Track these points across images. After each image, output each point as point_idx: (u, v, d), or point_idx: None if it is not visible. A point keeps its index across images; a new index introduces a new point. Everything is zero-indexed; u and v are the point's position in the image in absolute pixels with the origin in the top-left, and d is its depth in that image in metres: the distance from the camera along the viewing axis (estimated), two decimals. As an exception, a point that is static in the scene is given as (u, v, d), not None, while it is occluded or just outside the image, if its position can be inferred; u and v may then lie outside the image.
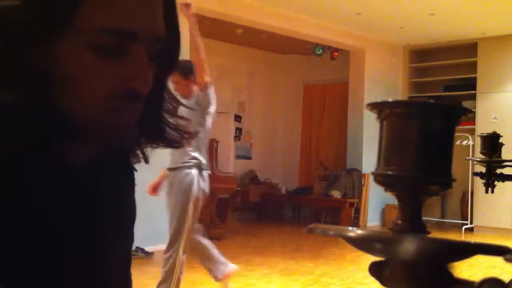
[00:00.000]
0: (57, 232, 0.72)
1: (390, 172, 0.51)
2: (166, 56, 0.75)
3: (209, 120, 4.20)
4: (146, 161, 0.82)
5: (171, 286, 4.25)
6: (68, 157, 0.72)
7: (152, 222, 6.21)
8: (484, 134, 2.14)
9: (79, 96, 0.68)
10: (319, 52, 9.58)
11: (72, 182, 0.73)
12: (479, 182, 2.38)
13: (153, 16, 0.69)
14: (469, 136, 8.42)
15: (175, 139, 0.79)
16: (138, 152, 0.81)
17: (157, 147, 0.81)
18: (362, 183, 8.92)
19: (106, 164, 0.78)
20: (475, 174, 2.23)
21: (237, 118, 9.84)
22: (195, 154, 4.15)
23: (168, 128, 0.78)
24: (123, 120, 0.70)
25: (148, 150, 0.83)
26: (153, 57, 0.72)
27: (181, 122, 0.79)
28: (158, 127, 0.77)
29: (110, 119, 0.69)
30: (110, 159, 0.78)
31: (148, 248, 6.03)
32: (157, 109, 0.78)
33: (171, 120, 0.79)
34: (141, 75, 0.68)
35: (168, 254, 4.25)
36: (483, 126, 8.30)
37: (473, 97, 8.93)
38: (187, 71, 4.15)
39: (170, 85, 0.81)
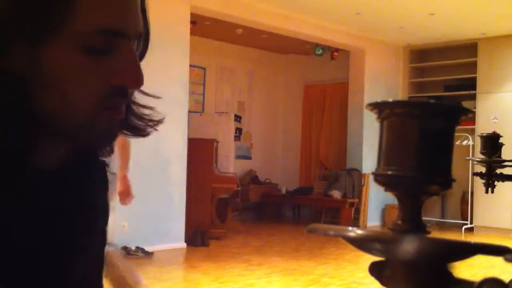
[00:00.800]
0: (24, 234, 0.70)
1: (390, 172, 0.51)
2: (137, 49, 0.75)
3: None
4: (111, 152, 0.81)
5: None
6: (38, 159, 0.71)
7: (152, 222, 6.22)
8: (484, 134, 2.14)
9: (69, 96, 0.67)
10: (319, 52, 9.58)
11: (40, 184, 0.72)
12: (479, 182, 2.38)
13: (137, 14, 0.71)
14: (469, 136, 8.42)
15: (141, 128, 0.79)
16: (106, 149, 0.81)
17: (123, 135, 0.80)
18: (362, 183, 8.92)
19: (76, 164, 0.77)
20: (475, 174, 2.23)
21: (237, 118, 9.84)
22: None
23: (133, 117, 0.78)
24: (111, 117, 0.70)
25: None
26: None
27: (146, 111, 0.79)
28: (125, 117, 0.76)
29: (100, 118, 0.69)
30: (80, 158, 0.77)
31: (148, 248, 6.03)
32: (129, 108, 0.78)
33: (136, 110, 0.78)
34: (131, 70, 0.69)
35: None
36: (483, 126, 8.30)
37: (473, 97, 8.93)
38: None
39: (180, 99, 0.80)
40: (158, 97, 0.78)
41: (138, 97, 0.79)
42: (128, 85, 0.69)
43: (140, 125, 0.78)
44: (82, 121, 0.68)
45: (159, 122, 0.80)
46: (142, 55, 0.77)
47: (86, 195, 0.80)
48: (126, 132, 0.78)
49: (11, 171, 0.68)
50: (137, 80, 0.69)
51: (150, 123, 0.79)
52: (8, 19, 0.63)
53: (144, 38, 0.75)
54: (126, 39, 0.69)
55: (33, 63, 0.65)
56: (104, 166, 0.84)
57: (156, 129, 0.80)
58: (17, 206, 0.69)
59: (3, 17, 0.63)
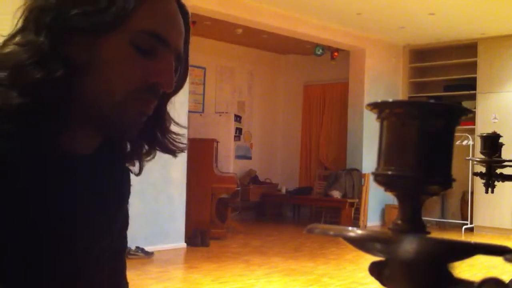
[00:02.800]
0: (48, 216, 0.77)
1: (390, 172, 0.51)
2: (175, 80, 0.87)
3: None
4: (139, 173, 0.93)
5: None
6: (73, 147, 0.81)
7: (152, 222, 6.22)
8: (484, 134, 2.14)
9: (111, 81, 0.78)
10: (319, 52, 9.57)
11: (77, 168, 0.82)
12: (479, 182, 2.38)
13: (181, 37, 0.85)
14: (469, 136, 8.42)
15: (172, 149, 0.92)
16: (135, 160, 0.92)
17: (153, 156, 0.93)
18: (362, 183, 8.92)
19: (108, 158, 0.88)
20: (475, 174, 2.23)
21: (237, 118, 9.84)
22: None
23: (166, 141, 0.91)
24: (141, 109, 0.81)
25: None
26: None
27: (175, 137, 0.92)
28: (159, 137, 0.90)
29: (132, 106, 0.79)
30: (111, 155, 0.88)
31: (148, 248, 6.03)
32: (159, 122, 0.90)
33: (168, 133, 0.92)
34: (167, 74, 0.81)
35: None
36: (483, 126, 8.30)
37: (473, 97, 8.93)
38: None
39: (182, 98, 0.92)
40: (185, 127, 0.96)
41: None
42: (161, 85, 0.81)
43: (171, 147, 0.91)
44: (115, 104, 0.78)
45: (185, 148, 0.94)
46: (180, 86, 0.90)
47: (115, 183, 0.92)
48: (161, 151, 0.92)
49: (50, 153, 0.77)
50: (169, 83, 0.81)
51: (179, 148, 0.92)
52: (81, 13, 0.75)
53: (183, 69, 0.89)
54: (168, 49, 0.81)
55: (89, 50, 0.77)
56: (129, 172, 0.95)
57: (183, 151, 0.94)
58: (56, 189, 0.78)
59: (76, 11, 0.75)
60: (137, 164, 0.93)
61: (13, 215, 0.73)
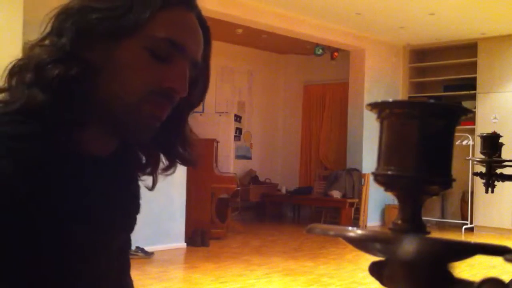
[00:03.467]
0: (72, 216, 0.80)
1: (390, 172, 0.51)
2: (194, 93, 0.90)
3: None
4: (153, 187, 0.98)
5: None
6: (91, 148, 0.84)
7: (152, 222, 6.21)
8: (484, 134, 2.14)
9: (127, 85, 0.81)
10: (319, 52, 9.57)
11: (97, 168, 0.85)
12: (479, 182, 2.38)
13: (198, 46, 0.88)
14: (469, 136, 8.41)
15: (190, 160, 0.95)
16: (147, 170, 0.96)
17: (171, 168, 0.97)
18: (362, 183, 8.91)
19: (124, 161, 0.91)
20: (475, 174, 2.23)
21: (237, 118, 9.84)
22: None
23: (186, 153, 0.94)
24: (154, 112, 0.83)
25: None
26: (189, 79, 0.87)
27: (195, 150, 0.95)
28: (179, 150, 0.93)
29: (145, 108, 0.82)
30: (126, 159, 0.91)
31: (148, 248, 6.03)
32: (177, 133, 0.93)
33: (189, 147, 0.95)
34: (181, 79, 0.84)
35: None
36: (483, 126, 8.30)
37: (473, 97, 8.93)
38: None
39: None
40: (198, 138, 1.00)
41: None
42: (175, 91, 0.83)
43: (189, 159, 0.94)
44: (128, 105, 0.81)
45: (200, 159, 0.98)
46: (200, 98, 0.93)
47: (127, 187, 0.95)
48: (179, 162, 0.95)
49: (70, 153, 0.80)
50: (183, 89, 0.84)
51: (196, 159, 0.95)
52: (99, 18, 0.80)
53: (204, 82, 0.92)
54: (183, 56, 0.84)
55: (106, 53, 0.81)
56: (138, 177, 0.98)
57: (194, 165, 0.97)
58: (79, 188, 0.80)
59: (96, 16, 0.80)
60: (150, 178, 0.97)
61: (38, 215, 0.75)
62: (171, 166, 0.95)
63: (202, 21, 0.90)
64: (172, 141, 0.92)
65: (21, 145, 0.75)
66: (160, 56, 0.82)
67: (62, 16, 0.81)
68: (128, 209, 0.95)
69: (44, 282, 0.76)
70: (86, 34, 0.80)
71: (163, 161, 0.95)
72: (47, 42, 0.81)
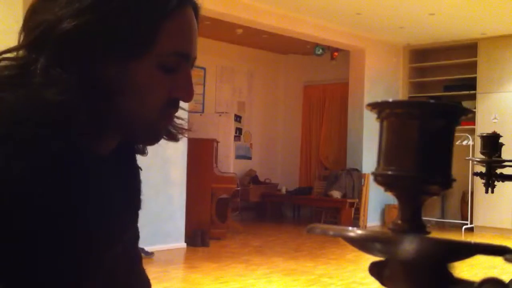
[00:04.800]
0: (76, 216, 0.79)
1: (390, 172, 0.51)
2: None
3: None
4: (145, 154, 0.97)
5: None
6: (95, 148, 0.84)
7: (152, 222, 6.21)
8: (484, 134, 2.14)
9: (143, 103, 0.82)
10: (319, 52, 9.57)
11: (103, 169, 0.85)
12: (479, 182, 2.38)
13: (197, 42, 0.88)
14: (469, 136, 8.41)
15: (174, 134, 0.93)
16: (144, 149, 0.96)
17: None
18: (362, 183, 8.91)
19: (123, 156, 0.93)
20: (475, 174, 2.23)
21: (237, 118, 9.84)
22: None
23: (170, 126, 0.92)
24: (167, 124, 0.88)
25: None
26: None
27: (178, 121, 0.94)
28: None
29: (161, 123, 0.86)
30: (126, 153, 0.93)
31: (148, 248, 6.03)
32: None
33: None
34: (189, 87, 0.85)
35: None
36: (483, 126, 8.30)
37: (473, 97, 8.93)
38: None
39: None
40: (185, 109, 0.99)
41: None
42: (183, 99, 0.86)
43: (174, 132, 0.93)
44: (149, 124, 0.84)
45: (188, 130, 0.97)
46: None
47: (130, 183, 0.96)
48: (164, 137, 0.93)
49: (78, 156, 0.80)
50: (190, 95, 0.86)
51: (181, 131, 0.95)
52: (114, 38, 0.78)
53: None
54: (188, 62, 0.86)
55: (121, 74, 0.80)
56: (139, 170, 0.99)
57: (185, 136, 0.97)
58: (83, 188, 0.80)
59: (111, 35, 0.78)
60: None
61: (57, 214, 0.75)
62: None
63: (195, 6, 0.88)
64: None
65: (30, 147, 0.74)
66: (169, 68, 0.83)
67: (63, 38, 0.77)
68: (133, 204, 0.96)
69: (60, 281, 0.76)
70: (98, 58, 0.79)
71: None
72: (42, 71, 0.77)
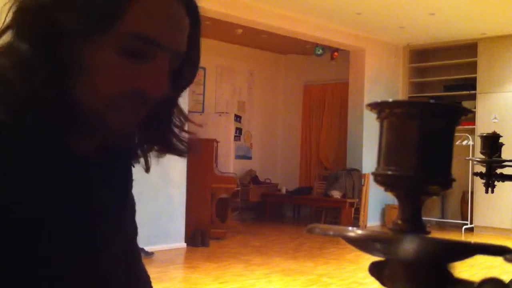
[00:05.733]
0: (60, 218, 0.77)
1: (390, 172, 0.51)
2: (183, 75, 0.84)
3: None
4: (147, 170, 0.91)
5: None
6: (74, 147, 0.79)
7: (152, 222, 6.22)
8: (484, 134, 2.14)
9: (95, 88, 0.74)
10: (319, 52, 9.57)
11: (78, 168, 0.80)
12: (479, 182, 2.38)
13: (179, 35, 0.79)
14: (469, 136, 8.42)
15: (182, 150, 0.88)
16: (140, 158, 0.90)
17: (163, 155, 0.90)
18: (362, 183, 8.92)
19: (109, 156, 0.86)
20: (475, 174, 2.23)
21: (237, 118, 9.84)
22: None
23: (175, 140, 0.87)
24: (122, 119, 0.77)
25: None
26: (173, 71, 0.80)
27: (187, 135, 0.88)
28: (166, 137, 0.86)
29: (112, 114, 0.76)
30: (112, 153, 0.86)
31: (148, 248, 6.03)
32: (167, 121, 0.86)
33: (179, 133, 0.87)
34: (156, 78, 0.76)
35: None
36: (483, 126, 8.30)
37: (473, 97, 8.93)
38: None
39: (180, 102, 0.90)
40: (200, 125, 0.92)
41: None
42: (148, 91, 0.75)
43: (182, 148, 0.87)
44: (95, 112, 0.75)
45: (196, 147, 0.90)
46: (189, 81, 0.87)
47: (120, 184, 0.90)
48: (169, 153, 0.88)
49: (52, 152, 0.76)
50: (158, 88, 0.76)
51: (191, 148, 0.88)
52: (69, 17, 0.72)
53: (193, 63, 0.85)
54: (163, 51, 0.76)
55: (74, 56, 0.73)
56: (131, 166, 0.93)
57: (193, 152, 0.90)
58: (61, 187, 0.77)
59: (66, 15, 0.72)
60: (142, 160, 0.91)
61: (39, 215, 0.74)
62: (161, 151, 0.89)
63: (188, 1, 0.81)
64: (160, 128, 0.85)
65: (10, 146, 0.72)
66: (134, 54, 0.74)
67: (23, 13, 0.73)
68: (121, 203, 0.92)
69: (40, 283, 0.75)
70: (51, 35, 0.72)
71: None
72: (5, 45, 0.74)
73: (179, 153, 0.88)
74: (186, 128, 0.89)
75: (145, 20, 0.74)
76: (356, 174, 8.95)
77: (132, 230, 1.00)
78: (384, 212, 9.33)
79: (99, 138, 0.81)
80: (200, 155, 7.19)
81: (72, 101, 0.75)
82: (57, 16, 0.72)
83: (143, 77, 0.75)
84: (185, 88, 0.87)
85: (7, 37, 0.76)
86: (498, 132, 2.15)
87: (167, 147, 0.87)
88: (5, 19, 0.75)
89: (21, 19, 0.73)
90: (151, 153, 0.89)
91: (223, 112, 9.30)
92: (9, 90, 0.72)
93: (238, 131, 10.02)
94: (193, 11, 0.82)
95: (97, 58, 0.74)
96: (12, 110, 0.72)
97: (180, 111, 0.88)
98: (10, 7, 0.74)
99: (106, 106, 0.75)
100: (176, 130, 0.87)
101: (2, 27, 0.75)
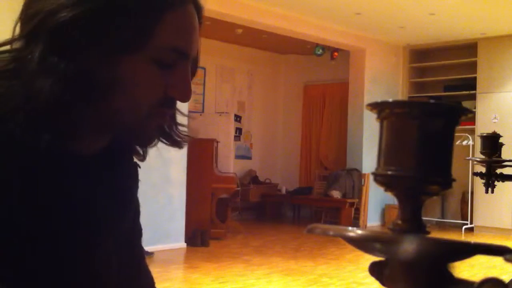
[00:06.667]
0: (64, 217, 0.79)
1: (390, 172, 0.51)
2: None
3: None
4: (143, 159, 0.94)
5: None
6: (78, 148, 0.82)
7: (152, 222, 6.21)
8: (484, 134, 2.14)
9: (134, 100, 0.79)
10: (319, 52, 9.57)
11: (80, 169, 0.82)
12: (479, 182, 2.38)
13: (198, 40, 0.85)
14: (469, 136, 8.41)
15: (180, 142, 0.92)
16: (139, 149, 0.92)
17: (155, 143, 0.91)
18: (362, 183, 8.92)
19: (116, 156, 0.89)
20: (475, 174, 2.23)
21: (237, 118, 9.84)
22: None
23: (173, 133, 0.91)
24: (158, 123, 0.83)
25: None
26: None
27: (183, 129, 0.92)
28: (170, 132, 0.91)
29: (150, 121, 0.81)
30: (118, 153, 0.89)
31: (148, 248, 6.03)
32: (173, 117, 0.90)
33: (176, 127, 0.92)
34: (185, 85, 0.82)
35: None
36: (483, 126, 8.30)
37: (473, 97, 8.93)
38: None
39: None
40: (195, 118, 0.90)
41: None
42: (178, 98, 0.82)
43: (179, 141, 0.91)
44: (139, 119, 0.80)
45: (193, 138, 0.95)
46: (192, 75, 0.89)
47: (117, 184, 0.92)
48: (170, 145, 0.92)
49: (56, 153, 0.78)
50: (187, 95, 0.82)
51: (186, 140, 0.93)
52: (105, 32, 0.75)
53: (194, 63, 0.88)
54: (186, 60, 0.82)
55: (113, 68, 0.77)
56: (136, 166, 0.96)
57: (187, 144, 0.94)
58: (59, 186, 0.79)
59: (102, 30, 0.75)
60: (141, 151, 0.94)
61: (31, 214, 0.75)
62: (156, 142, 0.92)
63: (197, 4, 0.86)
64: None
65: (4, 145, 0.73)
66: (165, 65, 0.80)
67: (55, 26, 0.74)
68: (122, 203, 0.93)
69: (36, 278, 0.76)
70: (86, 50, 0.75)
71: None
72: (37, 60, 0.74)
73: (178, 145, 0.91)
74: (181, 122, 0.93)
75: (176, 33, 0.80)
76: (356, 174, 8.95)
77: (135, 230, 1.00)
78: (384, 212, 9.33)
79: (132, 142, 0.87)
80: (200, 155, 7.19)
81: (111, 114, 0.79)
82: (94, 30, 0.74)
83: (174, 86, 0.81)
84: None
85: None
86: (498, 132, 2.15)
87: (164, 137, 0.90)
88: (14, 29, 0.77)
89: (54, 32, 0.74)
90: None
91: (223, 112, 9.30)
92: (34, 101, 0.73)
93: (238, 131, 10.02)
94: (200, 14, 0.87)
95: (133, 72, 0.78)
96: (32, 124, 0.73)
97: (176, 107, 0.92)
98: (39, 20, 0.75)
99: (146, 116, 0.80)
100: (175, 125, 0.91)
101: (16, 36, 0.77)
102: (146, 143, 0.86)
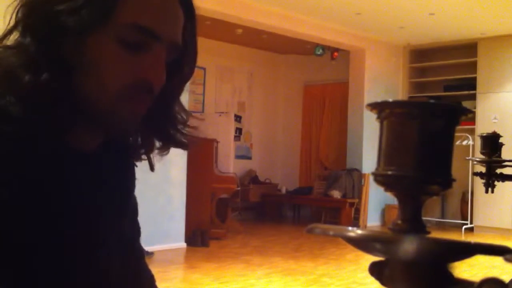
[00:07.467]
0: (64, 215, 0.78)
1: (390, 172, 0.51)
2: (181, 69, 0.85)
3: None
4: (152, 169, 0.93)
5: None
6: (75, 143, 0.81)
7: (152, 222, 6.21)
8: (484, 134, 2.14)
9: (101, 82, 0.76)
10: (319, 52, 9.57)
11: (79, 164, 0.81)
12: (479, 182, 2.38)
13: (175, 26, 0.81)
14: (469, 136, 8.41)
15: (184, 143, 0.90)
16: (143, 158, 0.92)
17: (166, 151, 0.92)
18: (362, 183, 8.91)
19: (110, 154, 0.88)
20: (475, 174, 2.23)
21: (237, 118, 9.84)
22: None
23: (178, 134, 0.89)
24: (133, 109, 0.79)
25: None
26: (171, 63, 0.82)
27: (190, 130, 0.90)
28: (168, 131, 0.88)
29: (123, 106, 0.78)
30: (113, 150, 0.88)
31: (148, 248, 6.03)
32: (168, 114, 0.88)
33: (181, 128, 0.90)
34: (156, 68, 0.78)
35: None
36: (483, 126, 8.30)
37: (473, 97, 8.93)
38: None
39: (182, 98, 0.91)
40: (202, 119, 0.99)
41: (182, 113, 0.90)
42: (150, 81, 0.78)
43: (184, 141, 0.90)
44: (107, 105, 0.77)
45: (199, 138, 0.92)
46: (189, 75, 0.88)
47: (116, 181, 0.90)
48: (172, 146, 0.90)
49: (54, 150, 0.77)
50: (158, 78, 0.78)
51: (193, 141, 0.91)
52: (69, 9, 0.73)
53: (191, 57, 0.87)
54: (160, 42, 0.78)
55: (77, 50, 0.75)
56: (133, 164, 0.95)
57: (193, 144, 0.92)
58: (57, 183, 0.78)
59: (65, 7, 0.73)
60: (145, 159, 0.93)
61: (32, 215, 0.74)
62: (164, 147, 0.91)
63: None
64: (162, 122, 0.88)
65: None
66: (133, 45, 0.77)
67: (25, 10, 0.75)
68: (117, 204, 0.92)
69: (37, 275, 0.76)
70: (51, 30, 0.74)
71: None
72: (10, 41, 0.76)
73: (182, 145, 0.90)
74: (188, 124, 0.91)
75: (141, 11, 0.76)
76: (356, 174, 8.95)
77: (134, 229, 1.00)
78: (384, 212, 9.33)
79: (107, 132, 0.83)
80: (200, 155, 7.19)
81: (81, 97, 0.76)
82: (59, 9, 0.73)
83: (143, 67, 0.77)
84: (185, 82, 0.89)
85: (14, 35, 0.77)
86: (498, 132, 2.15)
87: (168, 140, 0.89)
88: (10, 19, 0.77)
89: (26, 14, 0.75)
90: (154, 152, 0.91)
91: (223, 112, 9.30)
92: (16, 86, 0.73)
93: (238, 131, 10.02)
94: (186, 3, 0.83)
95: (98, 52, 0.76)
96: (18, 106, 0.73)
97: (183, 108, 0.91)
98: (16, 6, 0.76)
99: (115, 99, 0.77)
100: (180, 126, 0.89)
101: (10, 26, 0.77)
102: (120, 129, 0.81)
